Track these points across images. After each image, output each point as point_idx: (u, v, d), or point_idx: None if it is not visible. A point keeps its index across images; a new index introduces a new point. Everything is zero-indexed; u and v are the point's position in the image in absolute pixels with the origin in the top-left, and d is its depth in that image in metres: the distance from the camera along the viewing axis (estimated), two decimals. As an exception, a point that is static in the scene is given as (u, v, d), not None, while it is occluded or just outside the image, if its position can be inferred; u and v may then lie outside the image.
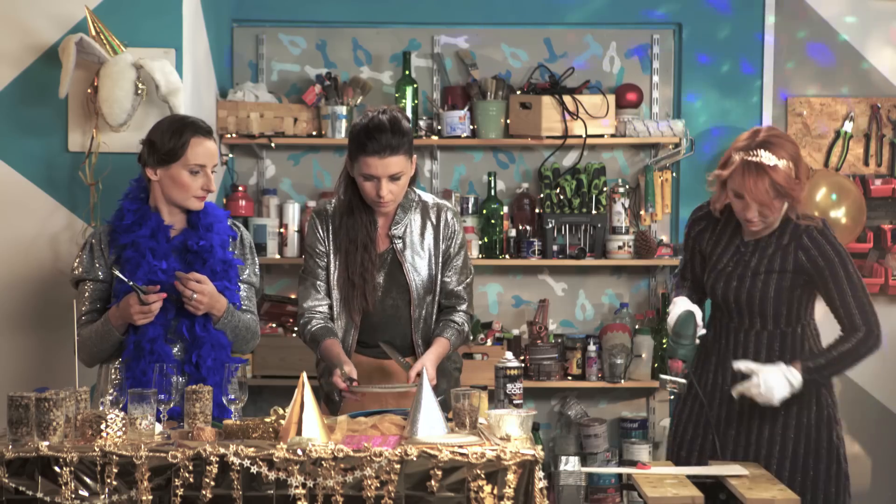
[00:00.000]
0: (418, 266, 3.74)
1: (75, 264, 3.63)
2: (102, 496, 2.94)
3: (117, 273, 3.46)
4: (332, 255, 3.75)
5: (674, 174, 5.24)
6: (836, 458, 3.58)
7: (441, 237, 3.76)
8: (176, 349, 3.56)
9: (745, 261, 3.58)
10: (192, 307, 3.49)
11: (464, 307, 3.79)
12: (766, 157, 3.41)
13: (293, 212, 5.18)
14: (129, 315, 3.45)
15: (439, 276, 3.76)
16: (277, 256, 5.17)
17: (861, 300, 3.55)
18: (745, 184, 3.42)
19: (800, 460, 3.55)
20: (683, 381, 3.55)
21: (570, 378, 5.16)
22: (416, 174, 3.75)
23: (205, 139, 3.56)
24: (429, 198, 3.82)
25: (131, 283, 3.42)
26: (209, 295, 3.49)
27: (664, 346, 3.58)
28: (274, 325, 5.11)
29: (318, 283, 3.76)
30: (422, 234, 3.75)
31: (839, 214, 5.03)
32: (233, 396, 3.27)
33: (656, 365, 5.04)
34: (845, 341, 3.54)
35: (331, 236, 3.75)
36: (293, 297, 5.13)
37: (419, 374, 3.49)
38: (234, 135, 5.06)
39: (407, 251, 3.74)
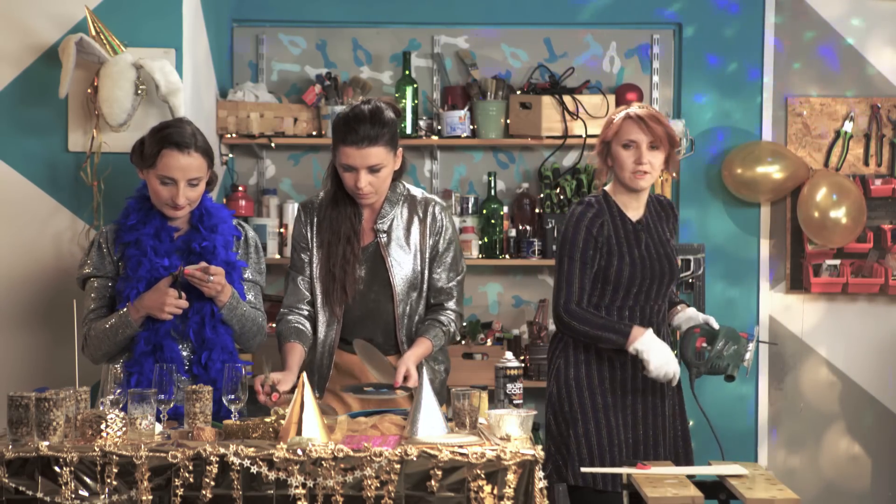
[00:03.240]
0: (402, 261, 3.70)
1: (84, 262, 3.64)
2: (102, 496, 2.94)
3: (183, 269, 3.49)
4: (315, 249, 3.72)
5: (674, 174, 5.24)
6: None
7: (428, 232, 3.71)
8: (180, 347, 3.57)
9: (645, 239, 3.72)
10: (212, 288, 3.50)
11: (452, 304, 3.74)
12: (650, 106, 3.71)
13: (293, 212, 5.17)
14: (160, 305, 3.46)
15: (426, 273, 3.72)
16: (277, 256, 5.16)
17: None
18: (640, 126, 3.62)
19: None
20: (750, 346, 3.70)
21: (570, 378, 5.16)
22: (402, 168, 3.71)
23: (178, 153, 3.52)
24: (417, 192, 3.77)
25: (178, 270, 3.47)
26: (221, 274, 3.51)
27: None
28: (273, 325, 5.10)
29: (302, 279, 3.73)
30: (408, 229, 3.71)
31: (839, 214, 5.02)
32: (233, 396, 3.27)
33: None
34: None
35: (315, 230, 3.72)
36: (293, 297, 5.13)
37: (406, 377, 3.49)
38: (234, 135, 5.06)
39: (391, 245, 3.69)
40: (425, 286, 3.72)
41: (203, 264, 3.49)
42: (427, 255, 3.71)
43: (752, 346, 3.66)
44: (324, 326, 3.71)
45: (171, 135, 3.54)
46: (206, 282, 3.47)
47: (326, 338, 3.71)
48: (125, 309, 3.51)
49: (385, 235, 3.69)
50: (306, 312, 3.72)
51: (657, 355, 3.57)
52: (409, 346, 3.68)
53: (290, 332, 3.66)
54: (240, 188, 5.13)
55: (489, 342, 5.07)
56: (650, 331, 3.61)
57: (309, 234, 3.73)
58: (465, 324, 5.15)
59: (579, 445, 3.65)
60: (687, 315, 3.78)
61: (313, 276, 3.72)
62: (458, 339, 4.93)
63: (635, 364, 3.65)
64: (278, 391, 3.41)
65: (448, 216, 3.76)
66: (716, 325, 3.70)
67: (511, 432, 3.12)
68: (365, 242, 3.71)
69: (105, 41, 4.10)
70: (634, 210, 3.73)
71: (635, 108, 3.68)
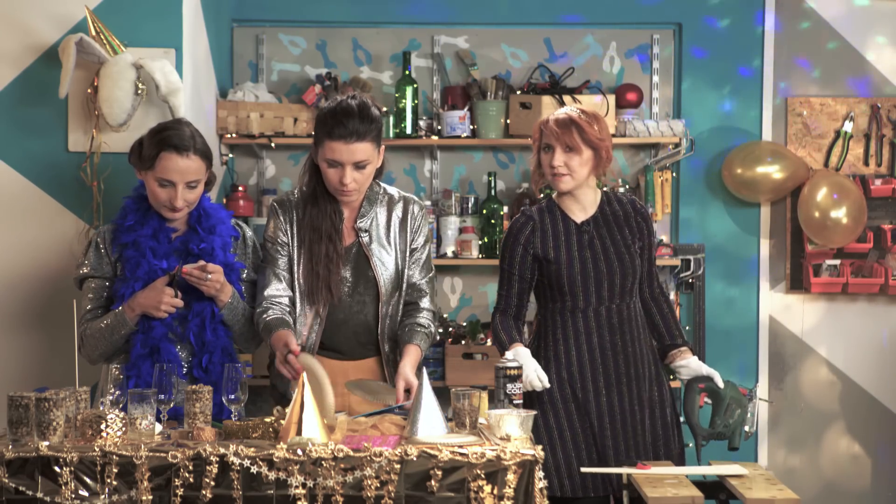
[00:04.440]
0: (385, 261, 3.67)
1: (82, 262, 3.64)
2: (102, 496, 2.94)
3: (181, 268, 3.50)
4: (295, 248, 3.66)
5: (674, 174, 5.24)
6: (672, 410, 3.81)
7: (408, 230, 3.69)
8: (178, 349, 3.57)
9: (589, 239, 3.72)
10: (210, 286, 3.50)
11: (427, 302, 3.70)
12: (572, 111, 3.69)
13: (293, 212, 5.17)
14: (156, 303, 3.47)
15: (406, 271, 3.69)
16: (277, 256, 5.16)
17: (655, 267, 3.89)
18: (554, 130, 3.64)
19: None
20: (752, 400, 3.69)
21: (570, 378, 5.15)
22: (382, 166, 3.69)
23: (177, 156, 3.52)
24: (394, 191, 3.75)
25: (176, 269, 3.47)
26: (219, 272, 3.51)
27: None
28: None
29: (280, 271, 3.65)
30: (388, 228, 3.69)
31: (839, 214, 5.02)
32: (233, 396, 3.27)
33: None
34: (668, 305, 3.84)
35: (294, 228, 3.67)
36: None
37: (409, 389, 3.48)
38: (234, 135, 5.06)
39: (373, 245, 3.66)
40: (404, 285, 3.70)
41: (201, 262, 3.49)
42: (406, 253, 3.70)
43: (752, 407, 3.65)
44: (304, 329, 3.65)
45: (169, 137, 3.54)
46: (204, 280, 3.47)
47: (307, 341, 3.65)
48: (121, 308, 3.51)
49: (367, 235, 3.67)
50: (288, 305, 3.65)
51: (525, 367, 3.57)
52: (388, 346, 3.67)
53: (277, 322, 3.56)
54: (240, 188, 5.13)
55: (489, 342, 5.07)
56: (522, 347, 3.63)
57: (289, 233, 3.68)
58: (464, 324, 5.16)
59: (544, 452, 3.66)
60: (690, 368, 3.73)
61: (295, 275, 3.66)
62: (473, 338, 4.96)
63: (595, 367, 3.67)
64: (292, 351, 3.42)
65: (425, 216, 3.75)
66: (720, 383, 3.67)
67: (511, 432, 3.12)
68: (346, 243, 3.67)
69: (105, 41, 4.10)
70: (579, 212, 3.75)
71: (558, 112, 3.71)
